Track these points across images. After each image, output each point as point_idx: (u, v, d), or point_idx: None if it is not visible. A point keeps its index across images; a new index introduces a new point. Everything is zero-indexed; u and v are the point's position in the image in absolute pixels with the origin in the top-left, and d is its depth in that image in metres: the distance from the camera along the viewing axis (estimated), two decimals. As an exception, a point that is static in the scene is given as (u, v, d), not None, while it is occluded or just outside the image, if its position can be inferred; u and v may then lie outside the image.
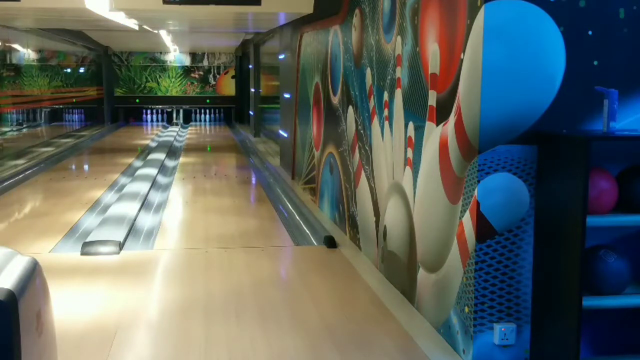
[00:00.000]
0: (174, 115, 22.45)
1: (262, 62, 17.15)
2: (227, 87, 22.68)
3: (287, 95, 10.46)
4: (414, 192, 4.37)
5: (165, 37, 15.29)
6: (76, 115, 19.66)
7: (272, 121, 14.53)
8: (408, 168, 4.49)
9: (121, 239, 6.07)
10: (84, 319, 4.28)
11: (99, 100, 21.20)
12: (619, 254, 3.30)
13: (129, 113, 22.13)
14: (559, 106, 3.38)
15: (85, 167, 12.61)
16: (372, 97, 5.37)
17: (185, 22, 11.42)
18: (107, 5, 7.82)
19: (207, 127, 21.32)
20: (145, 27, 11.60)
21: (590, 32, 3.41)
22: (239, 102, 22.26)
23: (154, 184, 9.34)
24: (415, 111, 4.33)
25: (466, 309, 3.61)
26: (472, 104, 3.45)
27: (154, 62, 22.41)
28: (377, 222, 5.33)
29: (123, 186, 9.08)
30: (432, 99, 4.03)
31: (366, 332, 4.10)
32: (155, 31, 13.19)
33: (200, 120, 22.59)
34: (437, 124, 3.95)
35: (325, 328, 4.13)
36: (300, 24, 8.88)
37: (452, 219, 3.75)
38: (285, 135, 10.78)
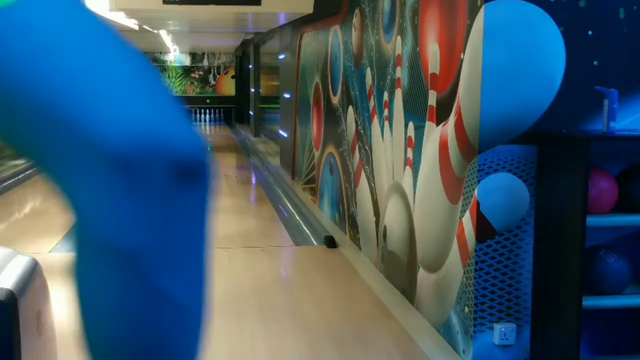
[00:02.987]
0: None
1: (262, 62, 17.13)
2: (227, 87, 22.67)
3: (287, 95, 10.45)
4: (414, 192, 4.37)
5: (165, 37, 15.28)
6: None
7: (272, 121, 14.52)
8: (408, 168, 4.49)
9: (121, 239, 6.06)
10: (84, 319, 4.28)
11: (98, 100, 21.16)
12: (619, 254, 3.30)
13: None
14: (559, 106, 3.38)
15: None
16: (372, 97, 5.36)
17: (185, 22, 11.41)
18: (107, 5, 7.82)
19: (207, 127, 21.31)
20: (145, 27, 11.59)
21: (590, 32, 3.40)
22: (239, 102, 22.23)
23: (154, 184, 9.32)
24: (415, 111, 4.33)
25: (466, 309, 3.60)
26: (472, 104, 3.45)
27: (154, 62, 22.39)
28: (377, 222, 5.33)
29: (123, 186, 9.07)
30: (432, 99, 4.03)
31: (366, 332, 4.09)
32: (155, 31, 13.18)
33: (200, 120, 22.59)
34: (437, 124, 3.94)
35: (325, 328, 4.13)
36: (300, 24, 8.88)
37: (452, 219, 3.75)
38: (285, 135, 10.77)
